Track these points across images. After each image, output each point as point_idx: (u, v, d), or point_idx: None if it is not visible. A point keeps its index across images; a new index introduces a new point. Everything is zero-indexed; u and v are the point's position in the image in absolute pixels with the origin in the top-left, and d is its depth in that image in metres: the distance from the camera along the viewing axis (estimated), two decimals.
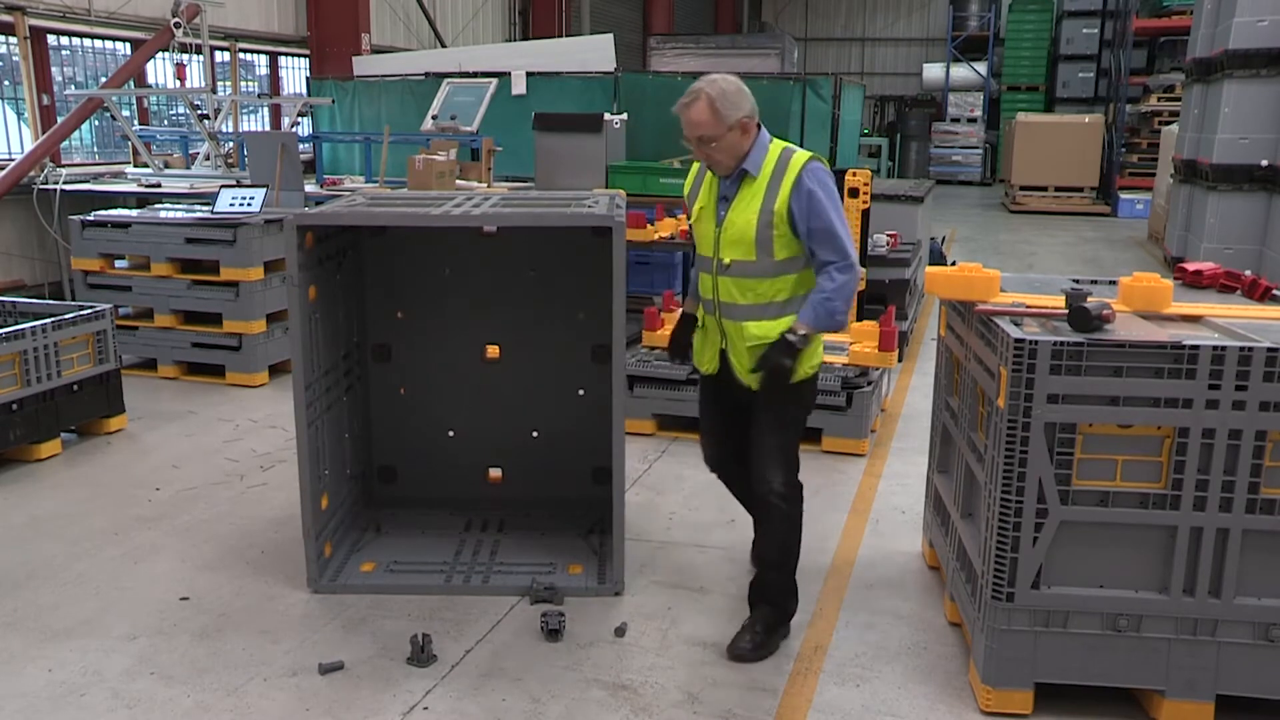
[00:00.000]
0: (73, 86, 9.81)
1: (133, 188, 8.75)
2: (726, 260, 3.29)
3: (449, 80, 10.27)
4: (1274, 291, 3.62)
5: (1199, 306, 3.38)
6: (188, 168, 9.69)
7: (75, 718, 3.09)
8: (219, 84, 11.45)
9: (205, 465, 5.25)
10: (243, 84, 12.33)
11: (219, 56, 11.70)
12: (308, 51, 13.04)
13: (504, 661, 3.39)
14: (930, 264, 7.03)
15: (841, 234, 3.21)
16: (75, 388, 5.47)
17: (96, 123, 10.32)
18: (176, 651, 3.46)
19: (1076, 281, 3.74)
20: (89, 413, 5.61)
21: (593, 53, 11.65)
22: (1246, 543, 2.90)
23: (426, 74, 11.37)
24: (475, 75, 10.60)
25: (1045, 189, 18.69)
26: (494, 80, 10.04)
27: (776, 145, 3.30)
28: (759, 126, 3.28)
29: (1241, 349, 2.81)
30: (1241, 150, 9.74)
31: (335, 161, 11.81)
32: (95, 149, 10.65)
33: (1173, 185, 12.06)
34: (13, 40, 9.11)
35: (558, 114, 9.24)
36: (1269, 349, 2.80)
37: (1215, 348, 2.81)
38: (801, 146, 3.36)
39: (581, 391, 4.50)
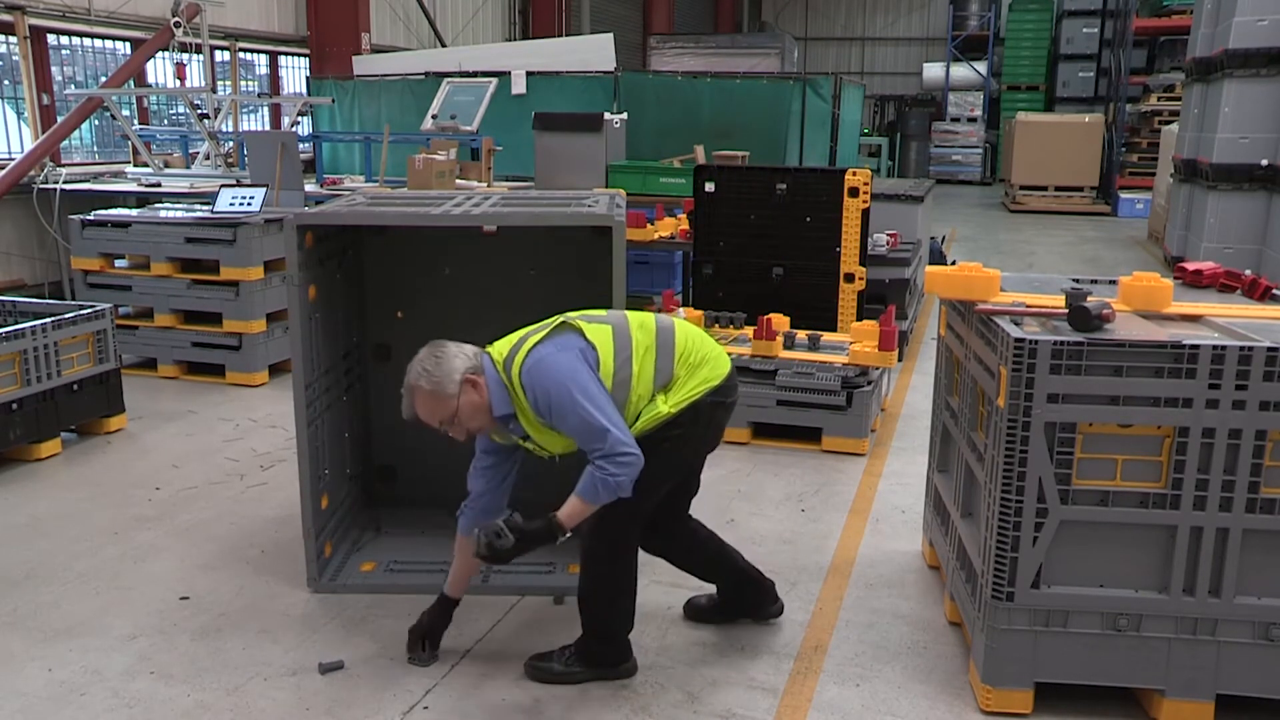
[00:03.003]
0: (73, 86, 9.81)
1: (133, 187, 8.76)
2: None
3: (449, 80, 10.28)
4: (1274, 291, 3.62)
5: (1199, 306, 3.38)
6: (188, 167, 9.70)
7: (75, 717, 3.09)
8: (219, 84, 11.45)
9: (205, 465, 5.25)
10: (243, 84, 12.33)
11: (219, 56, 11.70)
12: (308, 51, 13.04)
13: (504, 661, 3.39)
14: (930, 263, 7.02)
15: (601, 424, 2.92)
16: (75, 387, 5.47)
17: (96, 122, 10.33)
18: (176, 651, 3.46)
19: (1076, 281, 3.74)
20: (89, 412, 5.61)
21: (593, 52, 11.66)
22: (1246, 542, 2.90)
23: (426, 74, 11.38)
24: (475, 75, 10.61)
25: (1045, 188, 18.69)
26: (494, 80, 10.05)
27: (500, 367, 3.09)
28: (482, 366, 3.09)
29: (1241, 349, 2.81)
30: (1241, 150, 9.74)
31: (335, 161, 11.82)
32: (95, 149, 10.65)
33: (1173, 185, 12.06)
34: (13, 40, 9.11)
35: (558, 114, 9.25)
36: (1269, 349, 2.80)
37: (1215, 347, 2.81)
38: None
39: None
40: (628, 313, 3.29)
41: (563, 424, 3.00)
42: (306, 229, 3.71)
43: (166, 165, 9.61)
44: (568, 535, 3.03)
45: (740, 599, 3.64)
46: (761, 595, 3.64)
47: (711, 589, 3.71)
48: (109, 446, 5.55)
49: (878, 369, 5.66)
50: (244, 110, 12.01)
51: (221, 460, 5.33)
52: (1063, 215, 17.88)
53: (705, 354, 3.22)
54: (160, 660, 3.40)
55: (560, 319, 3.18)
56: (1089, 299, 3.01)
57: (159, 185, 8.77)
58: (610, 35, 12.12)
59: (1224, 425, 2.84)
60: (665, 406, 3.11)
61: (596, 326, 3.15)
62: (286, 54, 13.13)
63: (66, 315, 5.49)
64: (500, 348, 3.16)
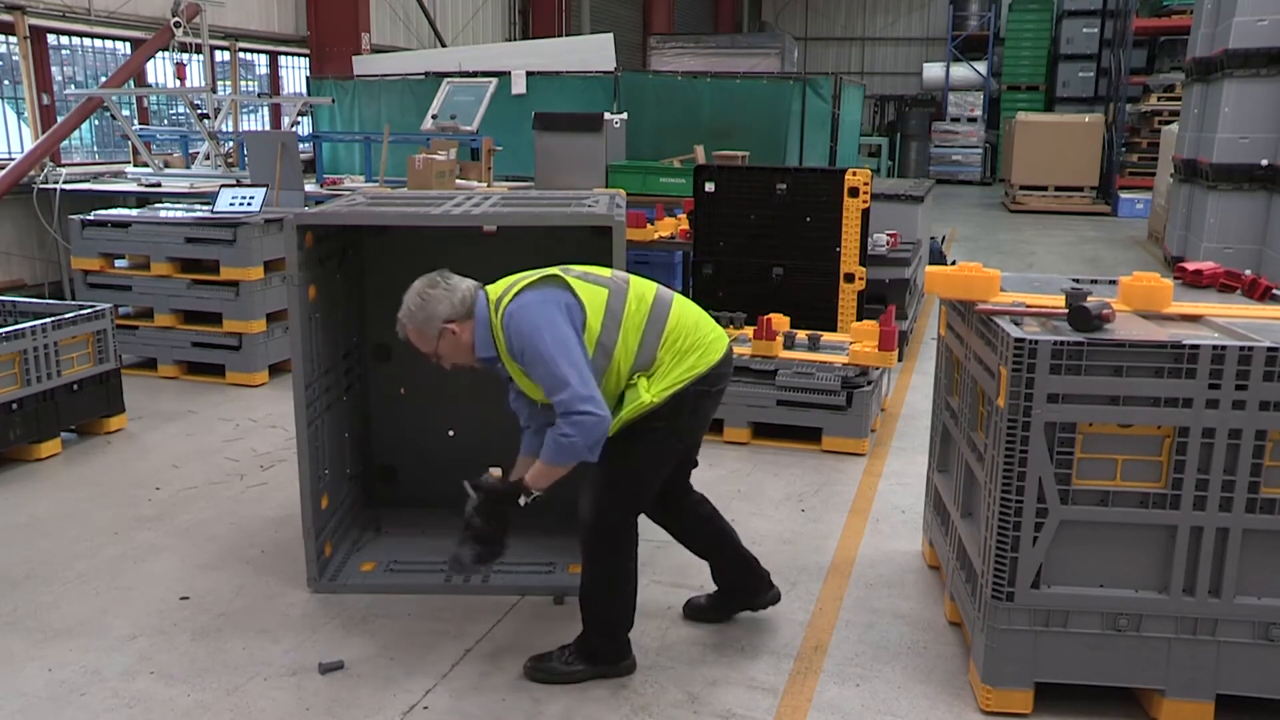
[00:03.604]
0: (73, 86, 9.81)
1: (133, 187, 8.76)
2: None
3: (449, 80, 10.28)
4: (1274, 291, 3.62)
5: (1199, 306, 3.38)
6: (188, 167, 9.70)
7: (75, 717, 3.09)
8: (219, 83, 11.45)
9: (205, 465, 5.25)
10: (243, 84, 12.33)
11: (219, 56, 11.70)
12: (308, 51, 13.04)
13: (504, 661, 3.39)
14: (930, 263, 7.02)
15: (565, 376, 2.92)
16: (75, 387, 5.47)
17: (96, 122, 10.32)
18: (176, 651, 3.46)
19: (1076, 281, 3.74)
20: (89, 412, 5.61)
21: (593, 52, 11.67)
22: (1246, 542, 2.90)
23: (426, 74, 11.38)
24: (475, 75, 10.61)
25: (1045, 188, 18.69)
26: (494, 80, 10.05)
27: (491, 307, 3.12)
28: (472, 310, 3.13)
29: (1241, 349, 2.81)
30: (1241, 150, 9.74)
31: (335, 161, 11.83)
32: (95, 149, 10.65)
33: (1173, 185, 12.06)
34: (13, 40, 9.11)
35: (558, 114, 9.26)
36: (1269, 349, 2.80)
37: (1215, 347, 2.81)
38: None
39: None
40: (632, 279, 3.24)
41: (532, 372, 3.02)
42: (306, 229, 3.71)
43: (166, 165, 9.61)
44: (533, 496, 3.09)
45: (736, 583, 3.64)
46: (757, 581, 3.64)
47: (709, 589, 3.71)
48: (109, 446, 5.55)
49: (878, 369, 5.66)
50: (244, 110, 12.01)
51: (221, 460, 5.33)
52: (1063, 215, 17.88)
53: (696, 340, 3.17)
54: (160, 660, 3.40)
55: (556, 270, 3.15)
56: (1089, 299, 3.01)
57: (159, 185, 8.77)
58: (610, 35, 12.12)
59: (1224, 425, 2.84)
60: (648, 395, 3.08)
61: (592, 287, 3.12)
62: (286, 54, 13.13)
63: (66, 315, 5.49)
64: (497, 288, 3.20)
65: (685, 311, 3.23)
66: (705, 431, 3.45)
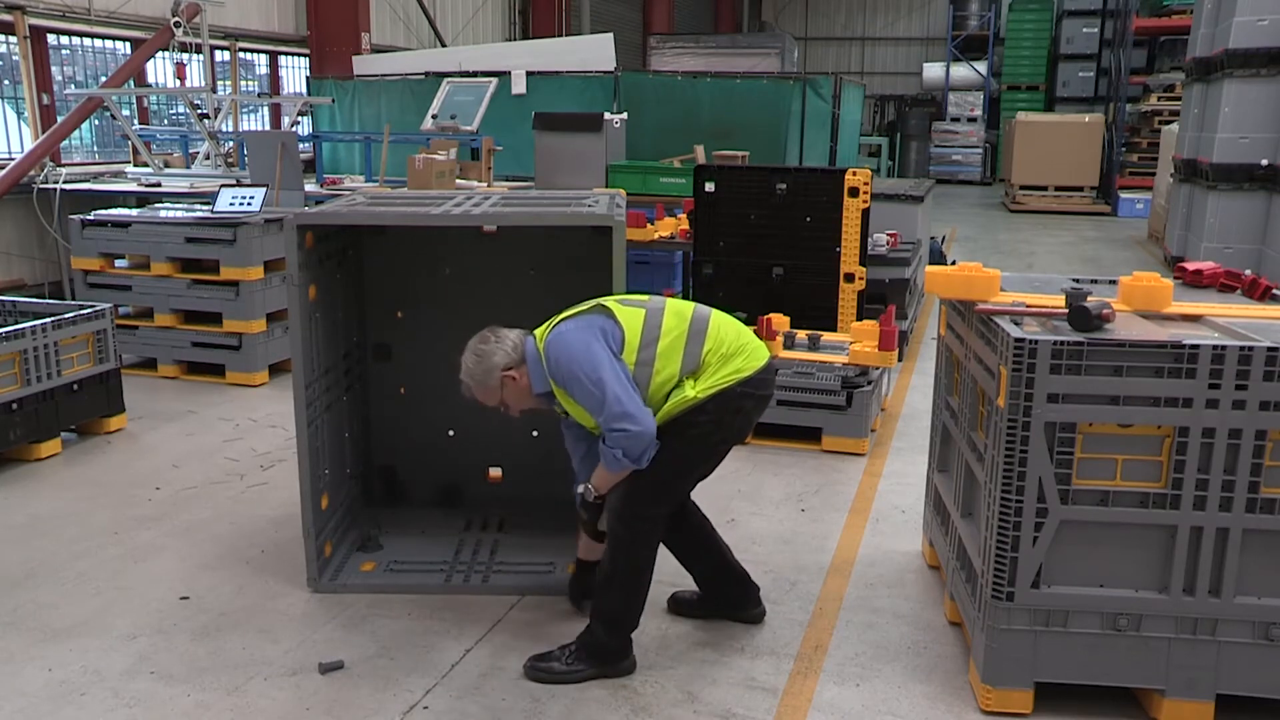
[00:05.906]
0: (73, 86, 9.82)
1: (133, 187, 8.76)
2: None
3: (449, 80, 10.28)
4: (1274, 291, 3.62)
5: (1199, 306, 3.38)
6: (188, 167, 9.70)
7: (75, 717, 3.09)
8: (219, 83, 11.45)
9: (205, 465, 5.25)
10: (243, 83, 12.33)
11: (219, 56, 11.70)
12: (308, 51, 13.04)
13: (504, 661, 3.39)
14: (930, 263, 7.02)
15: (601, 396, 3.07)
16: (75, 387, 5.47)
17: (96, 122, 10.32)
18: (176, 651, 3.46)
19: (1076, 281, 3.74)
20: (89, 412, 5.61)
21: (593, 52, 11.67)
22: (1246, 542, 2.90)
23: (426, 74, 11.38)
24: (475, 75, 10.61)
25: (1045, 188, 18.70)
26: (494, 80, 10.05)
27: (539, 344, 3.26)
28: (524, 355, 3.26)
29: (1241, 348, 2.81)
30: (1241, 150, 9.74)
31: (335, 161, 11.82)
32: (95, 148, 10.65)
33: (1173, 185, 12.07)
34: (13, 39, 9.12)
35: (558, 114, 9.26)
36: (1269, 348, 2.80)
37: (1215, 347, 2.81)
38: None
39: None
40: (669, 300, 3.35)
41: (573, 392, 3.15)
42: (306, 229, 3.71)
43: (166, 165, 9.61)
44: (594, 498, 3.28)
45: (720, 593, 3.66)
46: (744, 594, 3.66)
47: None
48: (109, 446, 5.55)
49: (878, 369, 5.66)
50: (244, 110, 12.01)
51: (221, 460, 5.33)
52: (1063, 215, 17.88)
53: (740, 346, 3.26)
54: (160, 660, 3.40)
55: (597, 301, 3.28)
56: (1089, 299, 3.01)
57: (159, 185, 8.77)
58: (610, 35, 12.12)
59: (1224, 425, 2.84)
60: (692, 391, 3.16)
61: (630, 310, 3.25)
62: (286, 54, 13.13)
63: (66, 315, 5.49)
64: (542, 329, 3.33)
65: (725, 324, 3.33)
66: (746, 436, 3.52)
